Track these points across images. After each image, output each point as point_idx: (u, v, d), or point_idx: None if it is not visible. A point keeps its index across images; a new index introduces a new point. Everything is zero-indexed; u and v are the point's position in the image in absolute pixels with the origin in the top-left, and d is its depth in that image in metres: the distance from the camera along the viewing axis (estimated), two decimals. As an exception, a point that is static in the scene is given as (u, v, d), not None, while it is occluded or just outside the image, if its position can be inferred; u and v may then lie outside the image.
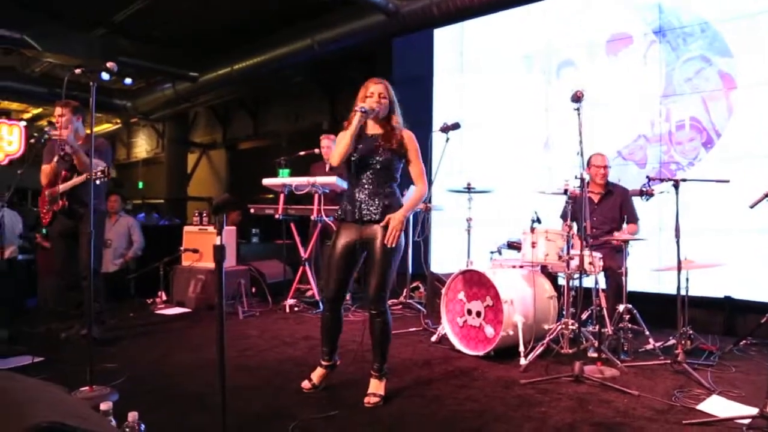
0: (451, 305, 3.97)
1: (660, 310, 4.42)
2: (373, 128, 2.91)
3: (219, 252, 1.91)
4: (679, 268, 3.43)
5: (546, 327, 3.81)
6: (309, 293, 5.75)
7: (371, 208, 2.82)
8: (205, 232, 5.48)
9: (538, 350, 3.55)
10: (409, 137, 2.90)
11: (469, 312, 3.83)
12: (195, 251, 5.43)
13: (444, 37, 6.89)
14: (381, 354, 2.88)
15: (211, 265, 5.41)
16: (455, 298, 3.95)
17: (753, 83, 4.70)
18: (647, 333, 3.82)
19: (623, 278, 3.77)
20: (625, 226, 4.23)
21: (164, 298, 5.51)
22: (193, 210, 12.32)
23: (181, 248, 5.50)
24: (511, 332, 3.60)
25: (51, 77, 9.91)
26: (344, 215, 2.89)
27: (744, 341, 4.00)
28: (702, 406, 2.78)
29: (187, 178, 12.61)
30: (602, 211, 4.32)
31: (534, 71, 6.04)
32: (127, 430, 1.90)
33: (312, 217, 5.20)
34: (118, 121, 12.78)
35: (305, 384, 2.99)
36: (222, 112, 12.28)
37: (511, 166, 6.01)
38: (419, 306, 5.41)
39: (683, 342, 3.50)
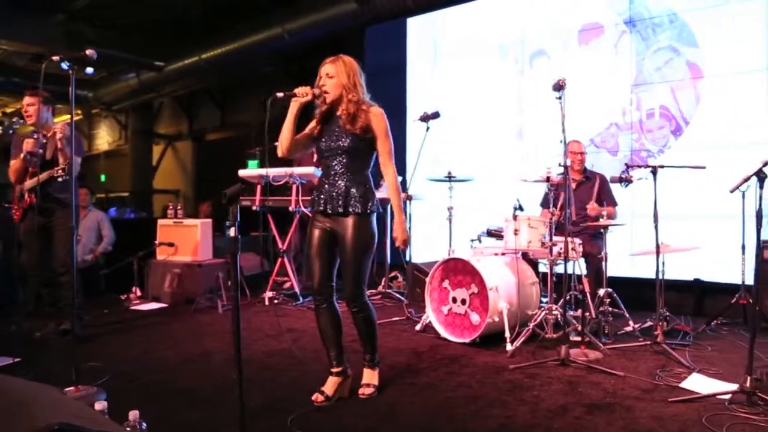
0: (435, 293, 3.99)
1: (635, 294, 4.56)
2: (341, 112, 2.66)
3: (234, 244, 1.87)
4: (658, 252, 3.52)
5: (529, 312, 3.87)
6: (287, 285, 5.70)
7: (336, 200, 2.62)
8: (181, 225, 5.36)
9: (524, 336, 3.60)
10: (376, 115, 2.64)
11: (454, 300, 3.86)
12: (170, 245, 5.31)
13: (417, 27, 6.87)
14: (370, 345, 2.80)
15: (188, 258, 5.30)
16: (439, 287, 3.97)
17: (718, 73, 4.85)
18: (627, 316, 3.93)
19: (603, 263, 3.86)
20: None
21: (139, 293, 5.37)
22: (159, 203, 12.03)
23: (156, 242, 5.36)
24: (496, 319, 3.64)
25: (7, 66, 9.47)
26: (313, 205, 2.73)
27: (715, 321, 4.15)
28: (684, 384, 2.89)
29: (152, 171, 12.29)
30: (580, 197, 4.39)
31: (508, 60, 6.09)
32: (129, 429, 1.85)
33: (290, 208, 5.14)
34: (79, 112, 12.33)
35: (316, 397, 2.65)
36: (188, 102, 11.98)
37: (486, 155, 6.05)
38: (399, 296, 5.43)
39: (661, 323, 3.61)
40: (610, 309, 3.84)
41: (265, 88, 10.67)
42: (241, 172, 5.39)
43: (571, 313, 3.87)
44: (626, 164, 3.69)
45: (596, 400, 2.71)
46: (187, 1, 7.92)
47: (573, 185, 4.49)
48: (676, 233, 4.41)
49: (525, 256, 4.15)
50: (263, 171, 5.24)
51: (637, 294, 4.58)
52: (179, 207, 5.46)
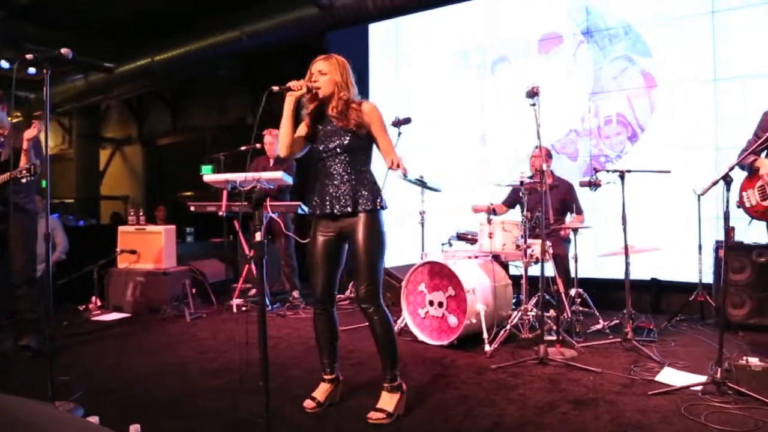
0: (411, 297, 4.02)
1: (598, 293, 4.72)
2: (331, 111, 2.61)
3: (260, 248, 1.82)
4: (627, 253, 3.68)
5: (504, 313, 3.96)
6: (251, 292, 5.59)
7: (343, 200, 2.54)
8: (143, 232, 5.17)
9: (502, 337, 3.68)
10: (370, 109, 2.59)
11: (431, 303, 3.89)
12: (132, 252, 5.10)
13: (379, 33, 6.93)
14: (390, 356, 2.57)
15: (151, 266, 5.12)
16: (415, 290, 4.00)
17: (670, 81, 5.12)
18: (597, 315, 4.08)
19: (575, 264, 3.99)
20: (570, 216, 4.46)
21: (99, 303, 5.13)
22: (107, 209, 11.55)
23: (118, 249, 5.15)
24: (474, 320, 3.70)
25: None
26: (314, 210, 2.64)
27: (675, 318, 4.36)
28: (659, 378, 3.02)
29: (99, 176, 11.79)
30: (547, 202, 4.52)
31: (469, 67, 6.22)
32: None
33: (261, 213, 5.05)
34: (19, 114, 11.68)
35: (308, 403, 2.64)
36: (137, 105, 11.58)
37: (449, 159, 6.15)
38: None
39: (630, 321, 3.76)
40: (581, 308, 3.97)
41: (220, 91, 10.48)
42: (206, 178, 5.24)
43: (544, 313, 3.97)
44: (594, 169, 3.84)
45: (580, 396, 2.80)
46: (138, 1, 7.65)
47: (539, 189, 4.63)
48: (632, 235, 4.59)
49: (497, 258, 4.24)
50: (230, 176, 5.11)
51: (600, 293, 4.75)
52: (141, 213, 5.26)
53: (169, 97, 11.07)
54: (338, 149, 2.59)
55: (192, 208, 5.35)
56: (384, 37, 6.88)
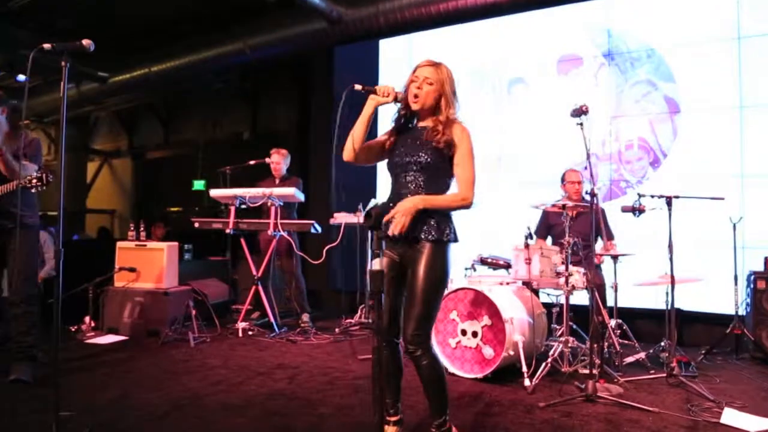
0: (441, 325, 3.73)
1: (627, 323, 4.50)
2: (422, 121, 2.37)
3: (378, 279, 1.52)
4: (673, 283, 3.46)
5: (539, 344, 3.70)
6: (255, 314, 5.25)
7: (412, 225, 2.20)
8: (144, 249, 4.80)
9: (545, 370, 3.40)
10: (462, 132, 2.30)
11: (464, 332, 3.61)
12: (132, 270, 4.73)
13: (391, 49, 6.73)
14: (438, 402, 2.29)
15: (151, 285, 4.75)
16: (446, 318, 3.71)
17: (694, 108, 4.98)
18: (638, 348, 3.84)
19: (614, 293, 3.76)
20: (600, 242, 4.24)
21: (92, 324, 4.73)
22: (93, 223, 11.04)
23: (116, 267, 4.76)
24: (511, 352, 3.43)
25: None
26: (383, 230, 2.28)
27: (710, 351, 4.13)
28: (725, 420, 2.77)
29: (86, 189, 11.30)
30: (578, 227, 4.31)
31: (484, 87, 6.03)
32: None
33: (269, 232, 4.73)
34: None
35: None
36: (128, 117, 11.17)
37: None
38: (381, 325, 5.10)
39: (667, 354, 3.53)
40: (619, 340, 3.73)
41: (214, 105, 10.16)
42: (213, 193, 4.93)
43: (581, 345, 3.73)
44: (638, 194, 3.62)
45: (648, 441, 2.54)
46: (140, 9, 7.34)
47: (572, 214, 4.42)
48: (652, 263, 4.34)
49: (527, 285, 3.99)
50: (238, 191, 4.81)
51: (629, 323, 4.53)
52: (142, 228, 4.90)
53: (162, 109, 10.70)
54: (417, 165, 2.28)
55: (196, 225, 5.03)
56: (395, 53, 6.68)
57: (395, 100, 2.32)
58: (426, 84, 2.32)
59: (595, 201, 3.26)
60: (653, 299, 4.59)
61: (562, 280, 3.56)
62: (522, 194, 5.18)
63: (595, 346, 3.49)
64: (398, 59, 6.65)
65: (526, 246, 3.70)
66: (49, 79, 9.08)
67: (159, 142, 10.87)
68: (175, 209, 10.91)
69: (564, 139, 5.43)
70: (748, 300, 4.15)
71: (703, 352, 4.07)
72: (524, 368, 3.39)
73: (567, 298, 3.56)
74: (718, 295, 4.51)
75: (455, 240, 2.33)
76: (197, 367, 3.75)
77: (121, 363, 3.85)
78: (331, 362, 3.94)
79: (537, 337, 3.69)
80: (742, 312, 4.22)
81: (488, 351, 3.49)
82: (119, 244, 4.87)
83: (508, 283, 3.92)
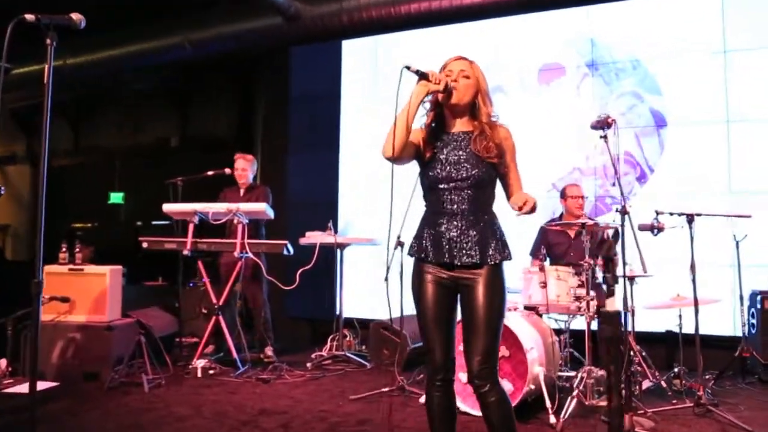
0: (449, 358, 3.51)
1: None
2: (460, 126, 2.20)
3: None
4: (696, 305, 3.45)
5: (554, 374, 3.57)
6: (208, 349, 4.80)
7: (468, 248, 2.09)
8: (80, 274, 4.23)
9: (570, 405, 3.27)
10: (507, 133, 2.19)
11: (477, 365, 3.41)
12: (65, 300, 4.15)
13: (355, 50, 6.51)
14: None
15: (88, 317, 4.20)
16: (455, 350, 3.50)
17: (681, 121, 5.13)
18: (657, 375, 3.81)
19: (631, 317, 3.72)
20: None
21: (9, 369, 4.09)
22: (-19, 242, 9.91)
23: (46, 296, 4.16)
24: (533, 386, 3.28)
25: None
26: (426, 255, 2.15)
27: (720, 376, 4.16)
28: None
29: (-29, 201, 10.14)
30: (579, 246, 4.26)
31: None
32: None
33: (235, 254, 4.33)
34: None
35: None
36: (27, 117, 10.15)
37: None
38: (360, 359, 4.80)
39: (702, 383, 3.50)
40: (638, 368, 3.69)
41: (134, 107, 9.48)
42: (166, 207, 4.47)
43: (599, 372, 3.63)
44: (656, 211, 3.61)
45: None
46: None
47: (571, 233, 4.38)
48: (652, 284, 4.37)
49: (533, 309, 3.87)
50: (198, 206, 4.38)
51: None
52: (77, 249, 4.33)
53: (71, 109, 9.84)
54: (471, 180, 2.12)
55: (144, 245, 4.53)
56: (360, 55, 6.47)
57: (445, 89, 2.12)
58: (462, 77, 2.16)
59: (626, 219, 3.16)
60: (652, 322, 4.62)
61: (583, 304, 3.46)
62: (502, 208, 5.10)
63: (625, 376, 3.41)
64: (363, 62, 6.44)
65: (542, 268, 3.57)
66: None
67: (67, 148, 9.98)
68: (83, 225, 10.06)
69: (545, 151, 5.42)
70: (753, 321, 4.25)
71: (713, 377, 4.11)
72: (548, 403, 3.24)
73: (588, 324, 3.47)
74: (713, 316, 4.61)
75: (511, 259, 2.18)
76: (164, 418, 3.30)
77: (60, 418, 3.30)
78: (320, 404, 3.62)
79: (553, 367, 3.57)
80: (740, 332, 4.31)
81: (506, 386, 3.31)
82: (47, 268, 4.27)
83: (516, 309, 3.79)
